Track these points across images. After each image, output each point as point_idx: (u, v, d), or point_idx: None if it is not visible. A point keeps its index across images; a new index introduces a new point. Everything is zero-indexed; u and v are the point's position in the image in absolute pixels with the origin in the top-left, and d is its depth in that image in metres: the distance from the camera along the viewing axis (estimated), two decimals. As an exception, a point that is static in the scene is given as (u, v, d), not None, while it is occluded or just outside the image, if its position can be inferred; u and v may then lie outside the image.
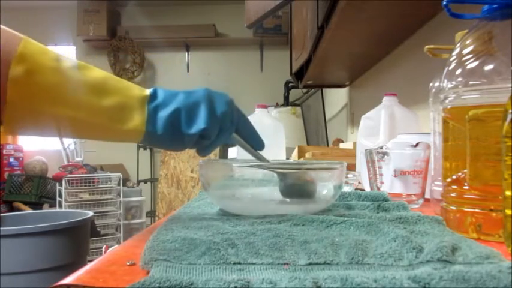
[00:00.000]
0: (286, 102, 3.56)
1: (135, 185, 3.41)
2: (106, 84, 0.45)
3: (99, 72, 0.46)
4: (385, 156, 0.63)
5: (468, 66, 0.41)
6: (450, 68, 0.43)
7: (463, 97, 0.42)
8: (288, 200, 0.53)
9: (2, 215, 1.82)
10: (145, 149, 3.97)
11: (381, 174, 0.64)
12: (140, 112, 0.46)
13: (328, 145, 2.74)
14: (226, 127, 0.49)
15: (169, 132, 0.46)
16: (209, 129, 0.46)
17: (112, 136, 0.47)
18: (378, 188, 0.65)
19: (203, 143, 0.49)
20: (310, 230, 0.41)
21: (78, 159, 3.12)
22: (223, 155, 2.09)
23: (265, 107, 1.26)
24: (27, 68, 0.40)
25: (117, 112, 0.45)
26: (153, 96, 0.47)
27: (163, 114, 0.46)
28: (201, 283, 0.25)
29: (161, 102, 0.47)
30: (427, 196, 0.63)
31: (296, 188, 0.53)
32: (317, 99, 3.14)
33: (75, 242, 1.60)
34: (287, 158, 1.34)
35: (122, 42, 3.88)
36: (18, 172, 3.40)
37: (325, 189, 0.53)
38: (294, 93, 3.62)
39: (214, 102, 0.48)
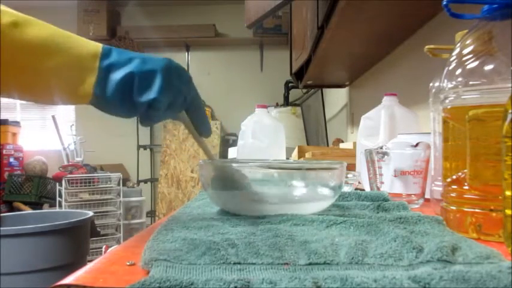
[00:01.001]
0: (286, 102, 3.56)
1: (135, 185, 3.41)
2: (51, 43, 0.41)
3: (44, 29, 0.42)
4: (385, 156, 0.63)
5: (468, 66, 0.41)
6: (450, 68, 0.43)
7: (463, 97, 0.42)
8: (287, 200, 0.53)
9: (2, 215, 1.82)
10: (145, 148, 3.97)
11: (380, 174, 0.64)
12: (90, 73, 0.42)
13: (328, 145, 2.74)
14: (178, 103, 0.46)
15: (118, 97, 0.43)
16: (159, 100, 0.43)
17: (60, 99, 0.44)
18: (378, 188, 0.65)
19: (149, 113, 0.45)
20: (310, 230, 0.41)
21: (78, 159, 3.12)
22: (223, 155, 2.09)
23: (265, 107, 1.26)
24: None
25: (63, 73, 0.42)
26: (107, 54, 0.44)
27: (115, 77, 0.43)
28: (201, 283, 0.25)
29: (114, 63, 0.43)
30: (427, 196, 0.63)
31: (226, 179, 0.53)
32: (317, 99, 3.14)
33: (75, 242, 1.60)
34: (287, 158, 1.34)
35: (122, 42, 3.88)
36: (18, 172, 3.40)
37: (325, 189, 0.53)
38: (294, 93, 3.62)
39: (172, 75, 0.45)
